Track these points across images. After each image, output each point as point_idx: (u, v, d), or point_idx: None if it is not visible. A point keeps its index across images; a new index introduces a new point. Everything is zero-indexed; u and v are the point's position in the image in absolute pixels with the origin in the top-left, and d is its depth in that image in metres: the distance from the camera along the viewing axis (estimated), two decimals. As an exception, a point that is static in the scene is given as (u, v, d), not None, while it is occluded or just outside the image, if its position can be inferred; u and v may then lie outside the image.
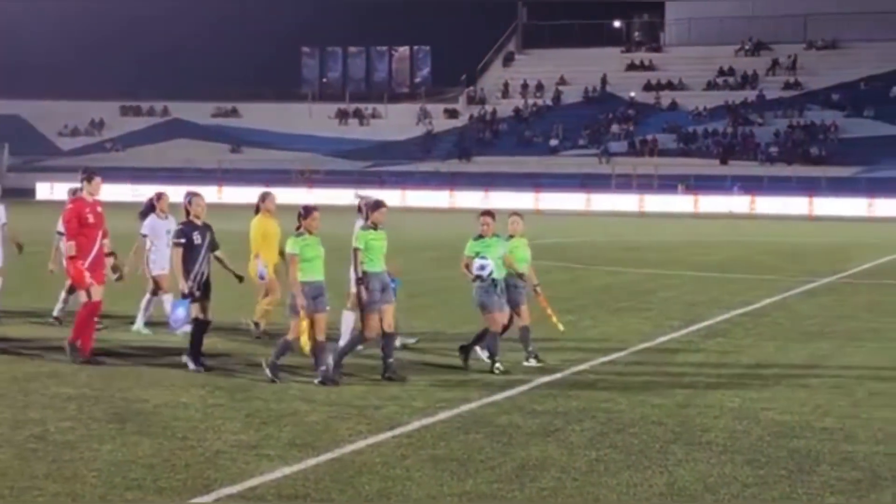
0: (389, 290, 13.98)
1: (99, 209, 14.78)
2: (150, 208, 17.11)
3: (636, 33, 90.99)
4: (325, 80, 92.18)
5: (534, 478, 9.31)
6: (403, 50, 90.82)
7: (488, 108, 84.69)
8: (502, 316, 14.30)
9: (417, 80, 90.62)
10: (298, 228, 13.52)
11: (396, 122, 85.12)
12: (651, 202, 63.67)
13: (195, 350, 13.98)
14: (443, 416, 11.63)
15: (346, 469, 9.52)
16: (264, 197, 16.75)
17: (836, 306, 21.74)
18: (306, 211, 13.52)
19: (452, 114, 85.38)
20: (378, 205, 14.19)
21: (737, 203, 62.99)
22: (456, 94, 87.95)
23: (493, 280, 14.17)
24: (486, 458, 9.95)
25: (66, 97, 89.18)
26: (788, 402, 12.58)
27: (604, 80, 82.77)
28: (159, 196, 17.30)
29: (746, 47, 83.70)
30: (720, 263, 30.76)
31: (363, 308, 13.71)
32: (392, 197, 49.30)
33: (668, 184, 67.32)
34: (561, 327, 15.83)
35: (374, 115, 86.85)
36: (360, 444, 10.38)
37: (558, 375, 13.91)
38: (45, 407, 11.85)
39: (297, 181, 71.15)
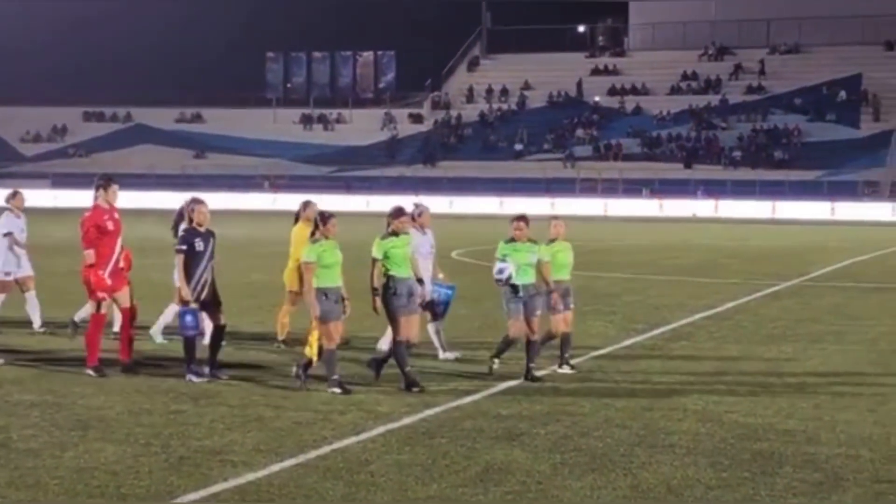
0: (415, 298, 13.82)
1: (116, 216, 14.52)
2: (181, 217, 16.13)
3: (600, 38, 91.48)
4: (289, 85, 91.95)
5: (498, 481, 9.32)
6: (368, 55, 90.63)
7: (453, 112, 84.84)
8: (516, 324, 14.06)
9: (382, 85, 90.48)
10: (313, 234, 13.45)
11: (361, 127, 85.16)
12: (616, 206, 63.88)
13: (212, 359, 13.86)
14: (407, 420, 11.62)
15: (310, 474, 9.50)
16: (305, 205, 16.37)
17: (799, 309, 21.88)
18: (323, 217, 13.44)
19: (417, 119, 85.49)
20: (399, 212, 14.06)
21: (701, 207, 63.26)
22: (421, 99, 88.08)
23: (513, 285, 13.99)
24: (450, 462, 9.95)
25: (28, 103, 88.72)
26: (752, 404, 12.65)
27: (579, 85, 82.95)
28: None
29: (710, 52, 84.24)
30: (684, 267, 30.90)
31: (391, 315, 13.57)
32: (357, 202, 49.34)
33: (632, 188, 67.64)
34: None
35: (338, 121, 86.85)
36: (325, 449, 10.35)
37: (522, 380, 13.85)
38: (8, 414, 11.75)
39: (266, 188, 71.11)
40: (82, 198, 18.43)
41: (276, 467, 9.68)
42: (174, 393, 12.95)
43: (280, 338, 16.37)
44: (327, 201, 17.42)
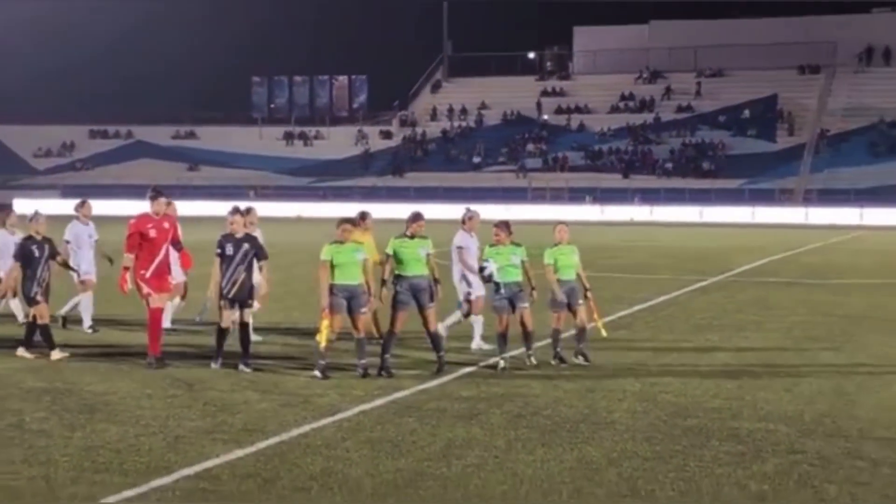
0: (422, 294, 13.52)
1: (165, 225, 14.35)
2: None
3: (548, 63, 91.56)
4: (273, 105, 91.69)
5: (459, 456, 9.33)
6: (343, 79, 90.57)
7: (418, 130, 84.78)
8: (503, 318, 13.71)
9: (355, 105, 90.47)
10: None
11: (337, 142, 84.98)
12: (562, 212, 63.78)
13: (244, 350, 13.70)
14: (379, 402, 11.60)
15: (292, 451, 9.49)
16: (364, 216, 16.00)
17: (724, 302, 21.98)
18: (348, 220, 13.69)
19: (387, 135, 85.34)
20: (417, 217, 13.91)
21: (638, 212, 63.45)
22: (390, 118, 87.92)
23: (496, 283, 13.75)
24: (417, 439, 9.96)
25: (40, 122, 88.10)
26: (682, 385, 12.70)
27: (539, 106, 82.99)
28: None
29: (644, 76, 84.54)
30: (623, 265, 30.94)
31: (392, 307, 13.49)
32: (333, 210, 49.19)
33: (577, 196, 67.72)
34: (604, 333, 15.10)
35: (317, 137, 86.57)
36: (305, 428, 10.34)
37: (481, 366, 13.83)
38: (23, 399, 11.69)
39: (251, 197, 70.75)
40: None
41: (262, 444, 9.67)
42: (171, 379, 12.90)
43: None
44: (307, 209, 17.19)
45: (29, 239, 14.82)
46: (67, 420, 10.65)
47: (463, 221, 15.49)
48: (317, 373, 13.00)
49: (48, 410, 11.11)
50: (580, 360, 14.06)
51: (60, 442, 9.74)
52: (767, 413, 11.14)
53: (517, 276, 13.74)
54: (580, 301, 14.19)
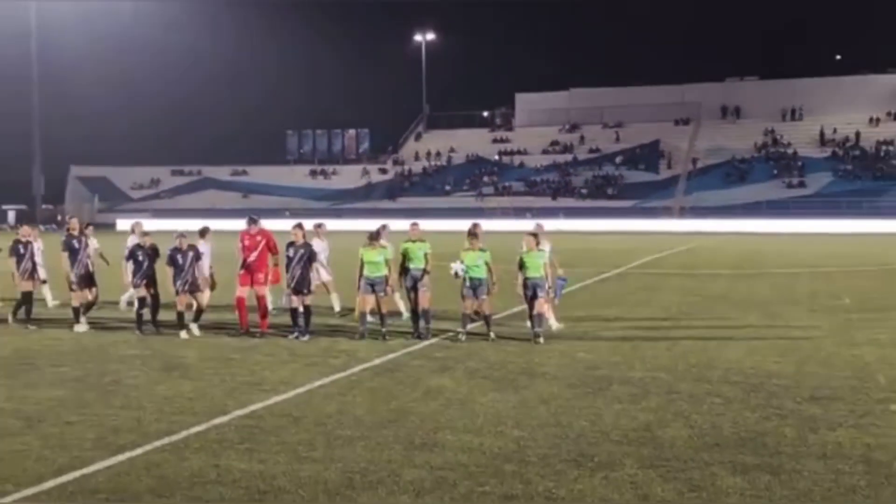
0: (418, 281, 13.54)
1: (259, 238, 14.34)
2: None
3: (497, 119, 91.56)
4: (301, 150, 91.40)
5: (434, 398, 9.32)
6: (352, 131, 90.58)
7: (406, 167, 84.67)
8: (467, 303, 13.46)
9: (361, 150, 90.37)
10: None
11: (347, 177, 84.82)
12: (508, 225, 63.99)
13: (306, 326, 13.63)
14: (377, 362, 11.55)
15: (314, 397, 9.45)
16: (384, 227, 14.99)
17: (622, 287, 22.06)
18: (372, 234, 13.83)
19: (383, 171, 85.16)
20: (413, 226, 14.30)
21: (563, 224, 63.46)
22: (385, 159, 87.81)
23: (464, 278, 13.42)
24: (404, 387, 9.93)
25: (135, 164, 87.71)
26: (592, 346, 12.71)
27: (491, 150, 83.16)
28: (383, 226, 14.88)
29: (566, 127, 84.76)
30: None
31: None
32: (345, 224, 48.97)
33: (519, 213, 67.64)
34: (555, 326, 14.26)
35: (333, 173, 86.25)
36: (324, 380, 10.29)
37: (450, 335, 13.64)
38: (120, 362, 11.59)
39: (287, 216, 70.49)
40: (169, 224, 18.01)
41: (293, 393, 9.63)
42: (228, 348, 12.80)
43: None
44: (327, 224, 17.05)
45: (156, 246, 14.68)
46: (153, 377, 10.58)
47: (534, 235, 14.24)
48: (358, 336, 13.33)
49: (139, 370, 11.03)
50: (539, 340, 13.00)
51: (148, 393, 9.67)
52: (653, 365, 11.18)
53: (481, 274, 13.47)
54: (541, 294, 13.34)
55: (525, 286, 13.38)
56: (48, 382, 10.24)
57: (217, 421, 8.30)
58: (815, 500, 6.15)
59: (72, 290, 14.84)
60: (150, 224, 19.69)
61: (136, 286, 14.50)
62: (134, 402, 9.19)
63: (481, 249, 13.59)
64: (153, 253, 14.54)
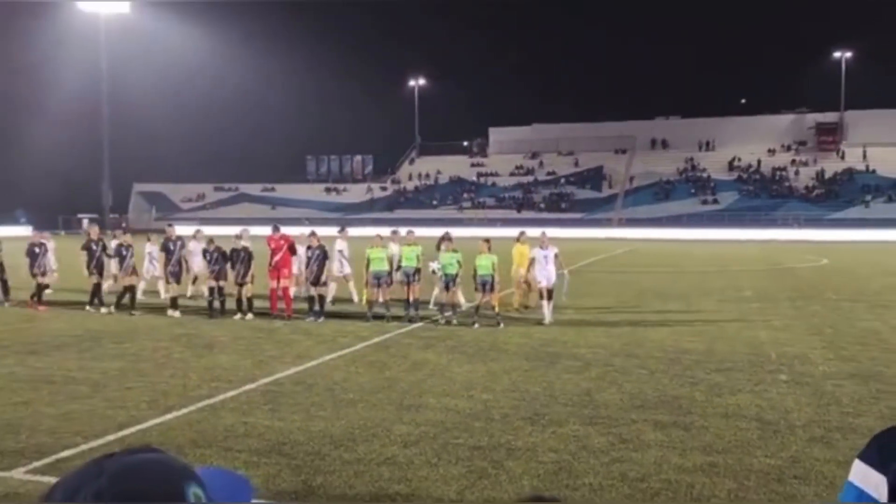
0: (411, 276, 13.44)
1: (282, 241, 14.20)
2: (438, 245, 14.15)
3: (475, 148, 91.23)
4: (319, 172, 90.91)
5: (419, 369, 9.31)
6: (358, 157, 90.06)
7: (402, 185, 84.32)
8: (444, 294, 13.47)
9: (366, 171, 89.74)
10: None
11: (355, 193, 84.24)
12: (483, 232, 63.87)
13: (321, 310, 13.68)
14: (375, 340, 11.52)
15: (323, 369, 9.42)
16: (521, 234, 15.39)
17: (572, 281, 21.94)
18: (382, 236, 14.22)
19: (384, 189, 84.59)
20: (408, 233, 14.48)
21: (528, 232, 63.66)
22: (386, 179, 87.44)
23: (441, 274, 13.35)
24: (396, 360, 9.91)
25: (185, 181, 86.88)
26: (547, 329, 12.72)
27: (470, 172, 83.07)
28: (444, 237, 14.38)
29: (529, 155, 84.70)
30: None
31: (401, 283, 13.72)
32: (353, 232, 48.68)
33: (491, 223, 67.66)
34: (548, 319, 13.30)
35: (345, 190, 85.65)
36: (332, 355, 10.26)
37: (431, 320, 13.63)
38: (171, 340, 11.51)
39: (306, 225, 70.16)
40: (213, 231, 17.84)
41: (305, 366, 9.57)
42: (255, 329, 12.72)
43: (516, 305, 14.78)
44: (349, 230, 16.99)
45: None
46: (196, 352, 10.51)
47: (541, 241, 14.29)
48: (369, 320, 13.23)
49: (185, 346, 10.96)
50: (499, 324, 12.80)
51: (193, 364, 9.62)
52: (594, 343, 11.20)
53: (454, 270, 13.44)
54: (489, 288, 13.08)
55: (475, 281, 13.14)
56: (111, 356, 10.16)
57: (247, 387, 8.27)
58: (718, 450, 6.19)
59: (168, 282, 14.83)
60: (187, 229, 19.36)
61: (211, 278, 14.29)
62: (180, 372, 9.13)
63: (454, 251, 13.55)
64: (221, 254, 14.29)
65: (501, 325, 12.89)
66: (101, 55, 63.06)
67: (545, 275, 13.75)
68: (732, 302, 16.56)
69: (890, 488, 1.25)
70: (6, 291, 15.87)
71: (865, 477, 1.29)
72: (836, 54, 74.35)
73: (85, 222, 73.86)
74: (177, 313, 14.13)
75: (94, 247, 14.81)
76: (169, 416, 7.06)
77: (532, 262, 14.01)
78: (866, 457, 1.32)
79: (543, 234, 14.92)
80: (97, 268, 14.82)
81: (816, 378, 8.79)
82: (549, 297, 13.50)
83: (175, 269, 14.57)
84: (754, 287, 19.90)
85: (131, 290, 14.91)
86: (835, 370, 9.25)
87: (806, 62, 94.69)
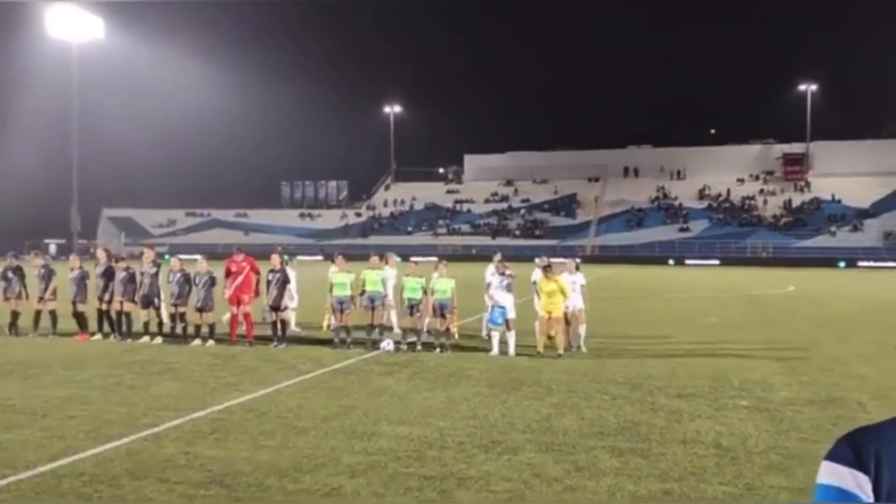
0: (376, 301, 13.25)
1: (243, 264, 13.90)
2: None
3: (451, 174, 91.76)
4: (294, 197, 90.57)
5: (378, 396, 9.07)
6: (333, 183, 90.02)
7: (377, 211, 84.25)
8: (406, 318, 13.14)
9: (340, 197, 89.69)
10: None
11: (330, 219, 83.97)
12: (458, 259, 64.11)
13: (281, 335, 13.39)
14: (337, 366, 11.27)
15: (280, 395, 9.14)
16: (547, 267, 13.24)
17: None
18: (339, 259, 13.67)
19: (359, 214, 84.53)
20: (381, 257, 14.15)
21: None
22: (361, 205, 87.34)
23: (405, 299, 12.97)
24: (354, 387, 9.67)
25: (156, 207, 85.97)
26: (510, 357, 12.54)
27: (446, 199, 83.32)
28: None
29: (503, 182, 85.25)
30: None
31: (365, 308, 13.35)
32: (327, 259, 48.13)
33: (466, 249, 67.70)
34: (456, 334, 13.43)
35: (319, 216, 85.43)
36: (289, 382, 9.97)
37: (395, 345, 13.30)
38: (123, 367, 11.12)
39: (279, 252, 69.37)
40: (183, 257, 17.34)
41: (263, 391, 9.28)
42: (213, 356, 12.33)
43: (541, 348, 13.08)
44: (313, 259, 16.84)
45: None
46: (148, 379, 10.14)
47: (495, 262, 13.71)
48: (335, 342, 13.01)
49: (137, 373, 10.58)
50: (444, 351, 12.57)
51: (142, 392, 9.27)
52: (557, 370, 11.03)
53: (418, 296, 13.03)
54: (447, 312, 12.84)
55: (433, 306, 12.79)
56: (58, 383, 9.78)
57: (195, 415, 7.95)
58: (674, 477, 6.05)
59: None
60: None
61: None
62: (127, 399, 8.78)
63: (419, 276, 13.34)
64: (185, 277, 13.84)
65: (448, 352, 12.50)
66: (72, 81, 62.46)
67: (571, 301, 12.73)
68: (698, 328, 16.56)
69: (873, 487, 1.25)
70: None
71: (842, 477, 1.28)
72: (802, 87, 76.26)
73: (52, 247, 72.56)
74: (158, 339, 13.71)
75: (11, 274, 14.50)
76: (108, 446, 6.73)
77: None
78: (839, 457, 1.30)
79: (573, 259, 14.10)
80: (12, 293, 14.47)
81: (776, 404, 8.73)
82: (568, 323, 12.68)
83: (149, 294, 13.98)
84: (721, 313, 19.97)
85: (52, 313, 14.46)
86: (795, 396, 9.20)
87: (773, 94, 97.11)
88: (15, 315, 14.61)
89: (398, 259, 15.04)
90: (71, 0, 60.08)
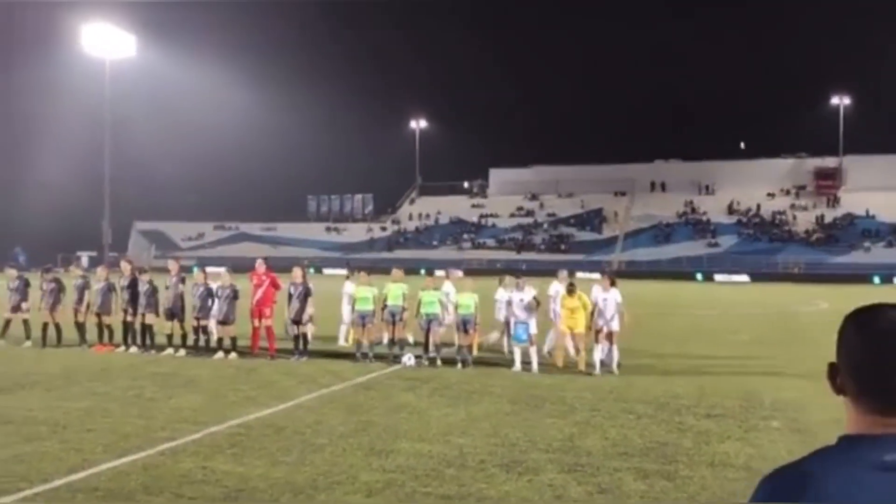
0: (396, 315, 13.16)
1: (264, 277, 13.95)
2: None
3: (475, 189, 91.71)
4: (320, 211, 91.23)
5: (398, 412, 8.94)
6: (359, 196, 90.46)
7: (402, 226, 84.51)
8: (422, 332, 13.07)
9: (366, 211, 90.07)
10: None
11: (355, 233, 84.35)
12: (483, 274, 63.85)
13: (304, 348, 13.37)
14: (359, 380, 11.21)
15: (299, 409, 9.06)
16: (571, 284, 13.17)
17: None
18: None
19: (384, 228, 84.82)
20: (394, 272, 13.92)
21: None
22: (386, 219, 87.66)
23: (422, 313, 12.95)
24: (374, 402, 9.56)
25: (185, 220, 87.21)
26: (533, 374, 12.32)
27: (471, 213, 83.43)
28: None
29: (528, 196, 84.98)
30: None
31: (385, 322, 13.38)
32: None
33: (491, 264, 67.47)
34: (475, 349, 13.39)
35: (345, 229, 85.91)
36: (309, 396, 9.92)
37: (417, 360, 13.17)
38: (145, 379, 11.16)
39: (305, 265, 69.92)
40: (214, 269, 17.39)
41: (283, 406, 9.22)
42: (234, 368, 12.33)
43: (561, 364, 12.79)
44: (339, 272, 16.85)
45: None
46: (168, 392, 10.15)
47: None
48: (357, 358, 12.94)
49: (159, 385, 10.60)
50: (468, 367, 12.33)
51: (162, 404, 9.26)
52: (581, 388, 10.83)
53: (436, 309, 13.08)
54: (471, 329, 12.59)
55: (420, 319, 12.75)
56: (80, 395, 9.82)
57: (213, 429, 7.90)
58: (702, 502, 5.82)
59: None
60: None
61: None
62: (146, 412, 8.77)
63: (435, 289, 13.28)
64: (207, 291, 13.92)
65: (470, 368, 12.35)
66: (104, 98, 63.78)
67: (604, 319, 12.25)
68: (728, 345, 16.19)
69: None
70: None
71: None
72: (835, 100, 75.06)
73: (84, 259, 73.93)
74: (181, 352, 13.71)
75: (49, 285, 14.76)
76: (124, 460, 6.69)
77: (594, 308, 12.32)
78: (763, 496, 1.30)
79: (606, 275, 13.57)
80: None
81: (810, 425, 8.43)
82: (611, 340, 12.25)
83: (174, 306, 14.01)
84: (751, 330, 19.53)
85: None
86: (829, 417, 8.86)
87: (804, 107, 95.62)
88: (43, 326, 14.73)
89: (459, 274, 14.66)
90: (105, 18, 61.55)
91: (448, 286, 14.19)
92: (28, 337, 14.84)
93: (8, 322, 14.92)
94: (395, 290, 13.44)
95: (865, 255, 62.07)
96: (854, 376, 1.35)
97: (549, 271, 20.93)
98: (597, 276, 14.24)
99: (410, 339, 14.27)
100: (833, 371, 1.41)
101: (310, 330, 13.68)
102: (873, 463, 1.23)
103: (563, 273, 13.98)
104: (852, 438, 1.31)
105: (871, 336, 1.33)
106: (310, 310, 13.49)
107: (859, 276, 55.25)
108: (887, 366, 1.29)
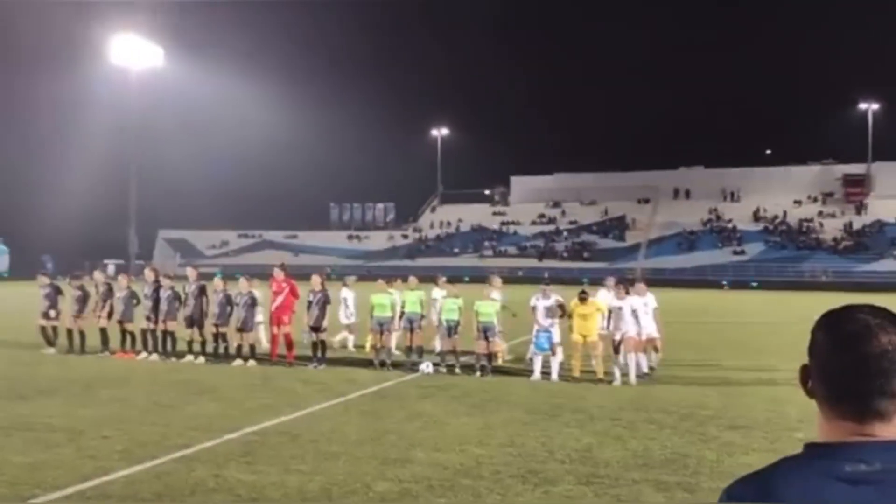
0: (414, 323, 13.26)
1: (284, 285, 13.96)
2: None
3: (496, 196, 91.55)
4: (342, 219, 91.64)
5: (414, 420, 8.84)
6: (381, 205, 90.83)
7: (423, 233, 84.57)
8: (444, 340, 13.02)
9: (388, 219, 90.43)
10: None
11: (377, 241, 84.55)
12: (504, 281, 63.28)
13: (322, 356, 13.37)
14: (374, 388, 11.12)
15: (314, 417, 9.01)
16: (583, 292, 13.11)
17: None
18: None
19: (405, 236, 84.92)
20: (408, 279, 14.04)
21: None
22: (408, 227, 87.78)
23: (442, 320, 12.94)
24: (395, 409, 9.48)
25: (209, 228, 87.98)
26: (552, 382, 12.16)
27: (492, 221, 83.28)
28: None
29: (550, 204, 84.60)
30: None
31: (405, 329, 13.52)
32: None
33: (513, 272, 67.12)
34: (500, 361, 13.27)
35: (367, 238, 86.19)
36: (326, 404, 9.85)
37: (434, 368, 13.13)
38: (163, 386, 11.18)
39: (328, 272, 70.10)
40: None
41: (300, 413, 9.17)
42: (252, 376, 12.34)
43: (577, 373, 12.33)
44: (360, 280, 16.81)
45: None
46: (186, 399, 10.15)
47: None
48: (375, 366, 12.96)
49: (176, 392, 10.62)
50: (489, 375, 12.29)
51: (179, 411, 9.26)
52: (600, 397, 10.65)
53: (456, 316, 12.93)
54: (493, 337, 12.48)
55: (478, 328, 12.44)
56: (99, 402, 9.86)
57: (228, 437, 7.87)
58: (724, 516, 5.64)
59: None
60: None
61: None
62: (164, 419, 8.77)
63: (455, 296, 13.18)
64: (227, 298, 14.00)
65: (489, 376, 12.20)
66: (131, 106, 64.80)
67: (635, 328, 11.86)
68: (753, 354, 15.87)
69: None
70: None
71: None
72: (863, 105, 73.82)
73: (111, 267, 74.97)
74: (201, 359, 13.74)
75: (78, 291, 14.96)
76: (138, 468, 6.67)
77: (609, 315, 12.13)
78: None
79: (640, 281, 13.29)
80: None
81: (838, 437, 8.17)
82: (656, 349, 12.15)
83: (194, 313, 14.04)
84: (777, 339, 19.15)
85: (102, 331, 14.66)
86: (859, 429, 8.61)
87: (832, 113, 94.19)
88: (68, 333, 14.88)
89: (499, 282, 14.32)
90: (133, 30, 62.59)
91: (437, 292, 14.27)
92: (52, 344, 14.99)
93: (43, 329, 15.05)
94: (413, 297, 13.39)
95: (895, 263, 60.81)
96: (822, 380, 1.28)
97: (572, 279, 20.59)
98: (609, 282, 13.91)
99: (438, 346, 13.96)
100: (805, 374, 1.33)
101: (349, 339, 13.65)
102: (836, 473, 1.17)
103: (611, 280, 13.70)
104: (817, 447, 1.24)
105: (839, 339, 1.27)
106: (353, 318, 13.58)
107: (889, 285, 54.05)
108: (854, 370, 1.22)
